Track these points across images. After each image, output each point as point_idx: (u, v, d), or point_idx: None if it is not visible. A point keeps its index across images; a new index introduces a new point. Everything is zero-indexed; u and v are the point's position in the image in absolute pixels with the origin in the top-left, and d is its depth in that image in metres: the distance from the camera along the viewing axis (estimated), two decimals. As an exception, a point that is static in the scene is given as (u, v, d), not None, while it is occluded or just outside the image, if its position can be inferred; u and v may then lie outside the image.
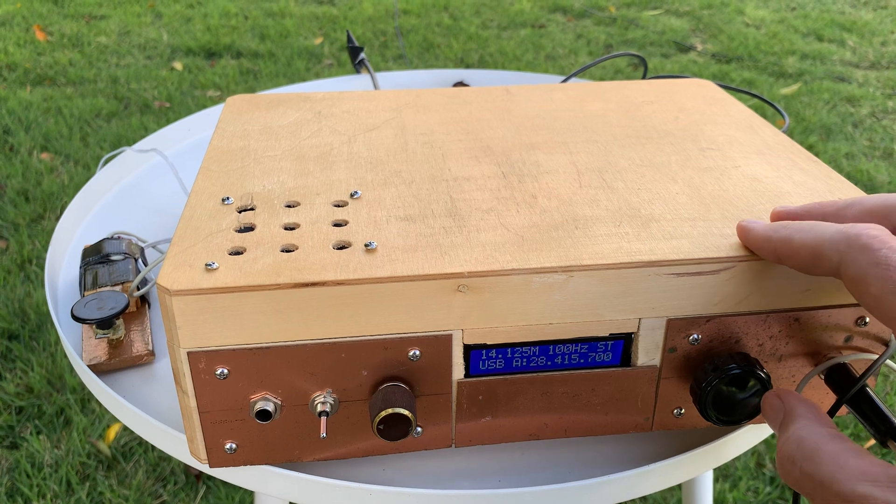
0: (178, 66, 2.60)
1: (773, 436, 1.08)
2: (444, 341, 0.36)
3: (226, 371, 0.35)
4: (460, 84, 0.86)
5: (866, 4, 3.25)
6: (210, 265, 0.34)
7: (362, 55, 0.85)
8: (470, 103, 0.54)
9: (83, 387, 1.31)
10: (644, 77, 0.75)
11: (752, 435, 0.42)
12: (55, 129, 2.14)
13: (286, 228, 0.38)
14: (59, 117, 2.21)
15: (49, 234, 1.69)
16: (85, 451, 1.20)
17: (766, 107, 2.23)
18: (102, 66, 2.60)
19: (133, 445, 1.21)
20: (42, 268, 1.58)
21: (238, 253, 0.36)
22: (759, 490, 1.16)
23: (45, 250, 1.64)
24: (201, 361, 0.35)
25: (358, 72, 0.86)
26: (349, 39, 0.87)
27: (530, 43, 2.79)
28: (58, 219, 1.75)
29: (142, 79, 2.49)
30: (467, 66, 2.55)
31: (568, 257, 0.35)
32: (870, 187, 1.89)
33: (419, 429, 0.38)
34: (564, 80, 0.71)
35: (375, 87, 0.80)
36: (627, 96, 0.55)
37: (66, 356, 1.37)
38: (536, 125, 0.50)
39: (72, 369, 1.34)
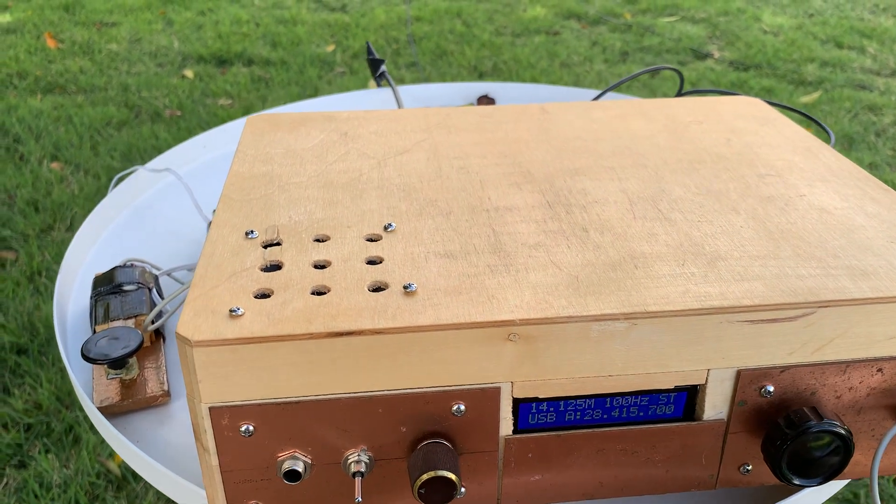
0: (189, 73, 2.58)
1: (840, 492, 1.03)
2: (492, 395, 0.32)
3: (251, 427, 0.32)
4: (485, 97, 0.83)
5: (886, 10, 3.20)
6: (235, 311, 0.31)
7: (383, 68, 0.82)
8: (505, 123, 0.50)
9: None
10: (680, 91, 0.71)
11: (816, 495, 0.38)
12: (65, 138, 2.12)
13: (316, 267, 0.35)
14: (69, 126, 2.19)
15: (59, 245, 1.66)
16: (94, 470, 1.17)
17: (802, 120, 2.19)
18: (113, 73, 2.58)
19: (143, 465, 1.18)
20: (52, 280, 1.56)
21: (265, 296, 0.32)
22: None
23: (55, 262, 1.61)
24: (224, 417, 0.31)
25: (378, 85, 0.83)
26: (369, 51, 0.84)
27: (545, 50, 2.75)
28: (68, 230, 1.73)
29: (153, 87, 2.47)
30: (481, 74, 2.51)
31: (631, 302, 0.32)
32: None
33: (462, 489, 0.34)
34: (598, 97, 0.67)
35: (398, 101, 0.76)
36: (673, 115, 0.51)
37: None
38: (578, 147, 0.47)
39: (81, 385, 1.31)
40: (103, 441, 1.22)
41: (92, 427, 1.25)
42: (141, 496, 1.14)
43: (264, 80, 2.53)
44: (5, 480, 1.15)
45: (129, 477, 1.16)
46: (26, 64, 2.63)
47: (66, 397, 1.30)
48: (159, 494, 1.14)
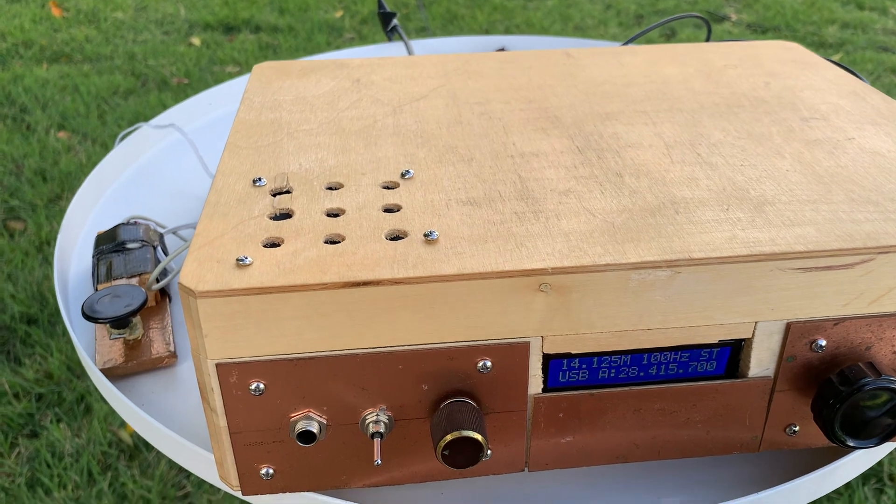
0: (195, 41, 2.54)
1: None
2: (521, 350, 0.30)
3: (262, 386, 0.29)
4: (502, 51, 0.80)
5: (908, -29, 3.11)
6: (242, 260, 0.29)
7: (395, 21, 0.78)
8: (528, 68, 0.47)
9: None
10: (708, 41, 0.68)
11: (865, 458, 0.36)
12: (72, 107, 2.09)
13: (329, 215, 0.32)
14: (75, 95, 2.16)
15: (67, 214, 1.64)
16: (106, 440, 1.16)
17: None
18: (119, 42, 2.55)
19: (155, 434, 1.17)
20: (60, 249, 1.54)
21: (275, 245, 0.30)
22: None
23: (64, 231, 1.59)
24: (233, 375, 0.29)
25: (390, 39, 0.80)
26: (380, 5, 0.81)
27: (558, 14, 2.69)
28: (76, 199, 1.71)
29: (159, 55, 2.43)
30: (492, 39, 2.46)
31: (673, 249, 0.29)
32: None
33: (489, 451, 0.32)
34: (625, 44, 0.64)
35: (410, 55, 0.73)
36: (707, 60, 0.48)
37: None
38: (608, 92, 0.44)
39: (92, 355, 1.30)
40: (114, 410, 1.21)
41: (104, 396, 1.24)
42: (153, 465, 1.14)
43: (272, 47, 2.49)
44: (18, 450, 1.14)
45: (140, 446, 1.15)
46: (31, 33, 2.59)
47: (77, 367, 1.29)
48: (171, 463, 1.14)
